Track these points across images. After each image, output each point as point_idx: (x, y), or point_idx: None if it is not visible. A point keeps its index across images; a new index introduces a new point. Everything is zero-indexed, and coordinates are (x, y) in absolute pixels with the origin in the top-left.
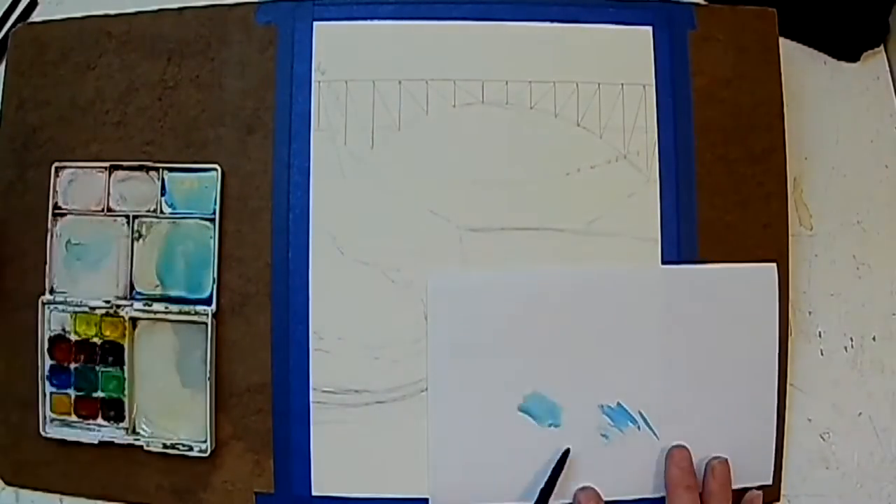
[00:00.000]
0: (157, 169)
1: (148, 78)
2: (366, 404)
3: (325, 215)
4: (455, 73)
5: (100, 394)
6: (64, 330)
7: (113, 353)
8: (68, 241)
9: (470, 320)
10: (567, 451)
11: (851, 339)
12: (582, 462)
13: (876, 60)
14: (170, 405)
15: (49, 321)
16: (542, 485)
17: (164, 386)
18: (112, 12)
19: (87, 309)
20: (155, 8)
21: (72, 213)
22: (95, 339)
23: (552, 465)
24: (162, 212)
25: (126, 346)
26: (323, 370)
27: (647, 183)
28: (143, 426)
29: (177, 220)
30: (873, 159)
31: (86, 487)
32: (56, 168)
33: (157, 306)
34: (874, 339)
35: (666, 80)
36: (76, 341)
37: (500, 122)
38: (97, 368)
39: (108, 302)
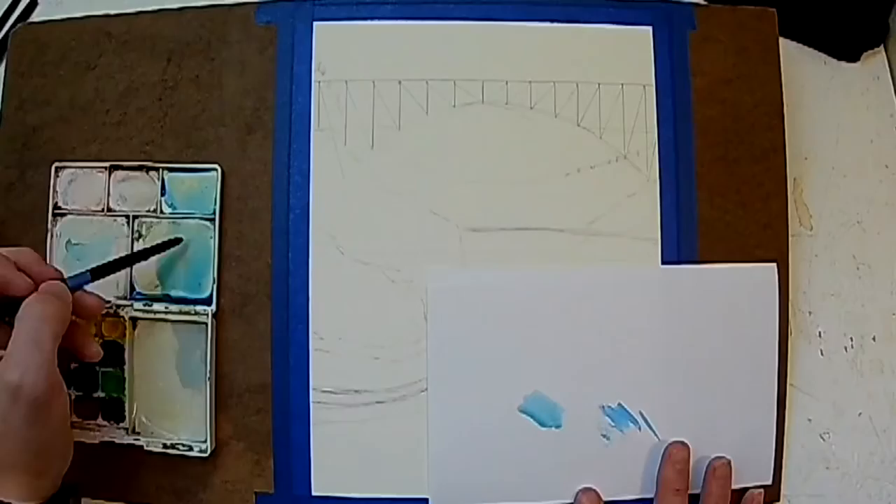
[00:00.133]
0: (157, 169)
1: (148, 78)
2: (366, 404)
3: (325, 215)
4: (455, 73)
5: (100, 394)
6: None
7: (113, 353)
8: (68, 241)
9: (470, 320)
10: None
11: (851, 339)
12: (583, 462)
13: (876, 60)
14: (170, 405)
15: None
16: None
17: (164, 386)
18: (112, 12)
19: None
20: (155, 8)
21: (72, 213)
22: (95, 339)
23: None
24: (162, 212)
25: (126, 346)
26: (323, 370)
27: (647, 183)
28: (143, 426)
29: (177, 220)
30: (873, 159)
31: (86, 487)
32: (56, 168)
33: (157, 306)
34: (874, 339)
35: (666, 81)
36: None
37: (500, 122)
38: (97, 368)
39: (108, 302)
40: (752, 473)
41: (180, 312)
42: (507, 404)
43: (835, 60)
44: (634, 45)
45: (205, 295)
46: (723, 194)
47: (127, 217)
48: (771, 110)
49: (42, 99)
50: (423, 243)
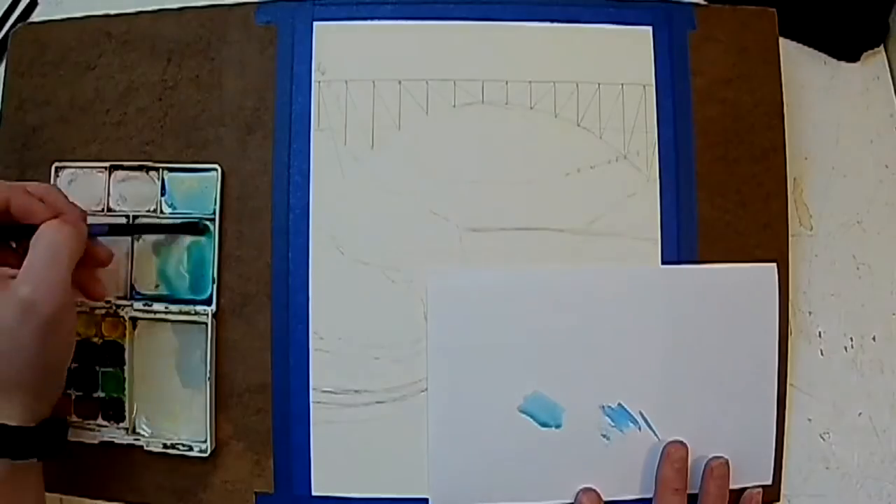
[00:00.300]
0: (157, 169)
1: (148, 78)
2: (366, 404)
3: (325, 215)
4: (455, 73)
5: (100, 394)
6: None
7: (113, 353)
8: None
9: (470, 320)
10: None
11: (851, 339)
12: (583, 462)
13: (876, 60)
14: (170, 405)
15: None
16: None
17: (164, 386)
18: (112, 12)
19: (86, 309)
20: (155, 8)
21: None
22: (95, 339)
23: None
24: (162, 212)
25: (126, 346)
26: (323, 370)
27: (647, 183)
28: (143, 426)
29: (177, 220)
30: (873, 159)
31: (86, 487)
32: (56, 168)
33: (157, 306)
34: (874, 339)
35: (666, 80)
36: (76, 341)
37: (500, 122)
38: (97, 368)
39: (108, 302)
40: (752, 473)
41: (180, 312)
42: (507, 404)
43: (835, 60)
44: (634, 45)
45: (205, 295)
46: (723, 194)
47: (127, 217)
48: (771, 110)
49: (42, 99)
50: (423, 243)
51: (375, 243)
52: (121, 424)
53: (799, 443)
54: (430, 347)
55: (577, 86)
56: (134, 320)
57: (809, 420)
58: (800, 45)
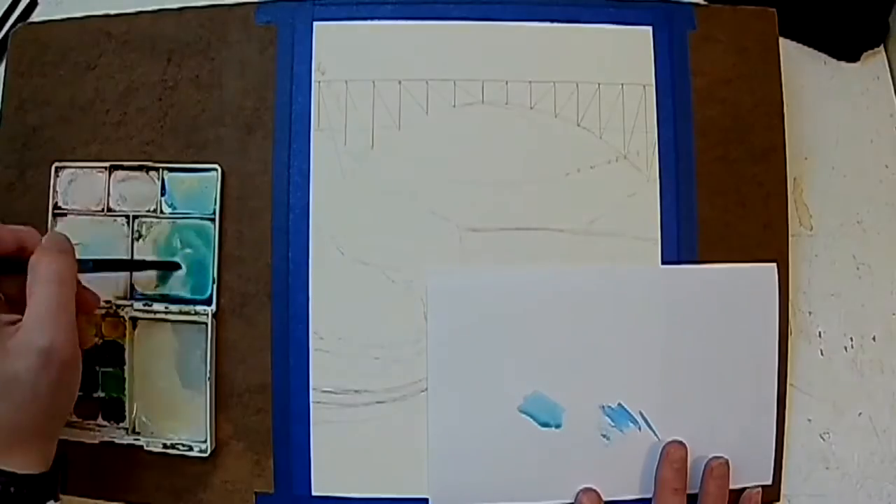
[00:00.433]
0: (157, 169)
1: (148, 78)
2: (366, 404)
3: (325, 215)
4: (455, 73)
5: (100, 394)
6: None
7: (113, 353)
8: None
9: (470, 320)
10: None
11: (851, 339)
12: (583, 462)
13: (876, 60)
14: (170, 405)
15: None
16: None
17: (164, 386)
18: (112, 12)
19: None
20: (155, 8)
21: (72, 214)
22: (95, 339)
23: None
24: (162, 212)
25: (126, 346)
26: (323, 370)
27: (647, 183)
28: (143, 426)
29: (177, 220)
30: (873, 159)
31: (86, 487)
32: (56, 168)
33: (157, 306)
34: (874, 339)
35: (666, 80)
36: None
37: (500, 122)
38: (97, 368)
39: (108, 302)
40: (752, 473)
41: (180, 312)
42: (507, 404)
43: (835, 60)
44: (634, 45)
45: (205, 295)
46: (723, 194)
47: (127, 217)
48: (771, 110)
49: (42, 99)
50: (423, 243)
51: (375, 243)
52: (121, 424)
53: (799, 443)
54: (430, 347)
55: (577, 86)
56: (134, 320)
57: (809, 420)
58: (800, 45)
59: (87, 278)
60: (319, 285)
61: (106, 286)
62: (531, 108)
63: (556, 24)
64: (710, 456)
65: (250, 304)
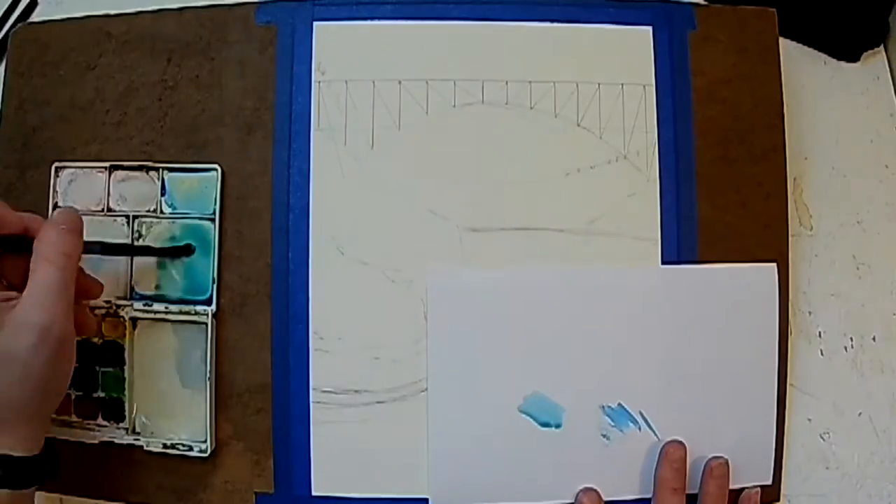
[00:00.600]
0: (157, 169)
1: (148, 78)
2: (366, 404)
3: (325, 215)
4: (455, 73)
5: (100, 394)
6: None
7: (113, 353)
8: None
9: (470, 320)
10: None
11: (851, 339)
12: (583, 462)
13: (876, 60)
14: (170, 405)
15: None
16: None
17: (164, 386)
18: (112, 12)
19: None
20: (155, 8)
21: None
22: (95, 339)
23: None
24: (162, 212)
25: (126, 346)
26: (323, 370)
27: (647, 183)
28: (143, 426)
29: (177, 220)
30: (873, 159)
31: (86, 487)
32: (56, 168)
33: (157, 306)
34: (874, 339)
35: (666, 80)
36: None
37: (500, 122)
38: (97, 368)
39: (108, 302)
40: (752, 473)
41: (180, 312)
42: (507, 404)
43: (835, 60)
44: (634, 45)
45: (205, 295)
46: (723, 194)
47: (127, 217)
48: (771, 110)
49: (42, 99)
50: (423, 243)
51: (375, 243)
52: (121, 424)
53: (799, 443)
54: (430, 347)
55: (577, 86)
56: (134, 320)
57: (809, 420)
58: (800, 45)
59: (90, 271)
60: (319, 285)
61: (106, 286)
62: (531, 108)
63: (556, 24)
64: (710, 456)
65: (250, 304)
